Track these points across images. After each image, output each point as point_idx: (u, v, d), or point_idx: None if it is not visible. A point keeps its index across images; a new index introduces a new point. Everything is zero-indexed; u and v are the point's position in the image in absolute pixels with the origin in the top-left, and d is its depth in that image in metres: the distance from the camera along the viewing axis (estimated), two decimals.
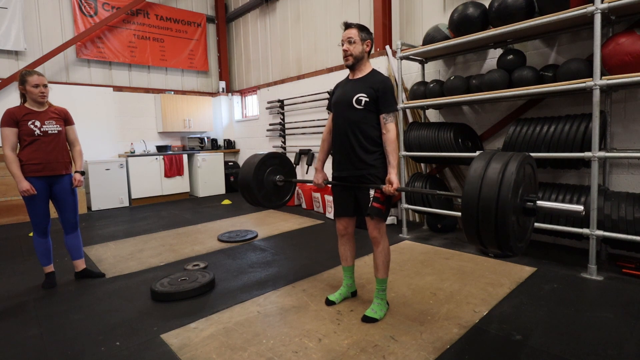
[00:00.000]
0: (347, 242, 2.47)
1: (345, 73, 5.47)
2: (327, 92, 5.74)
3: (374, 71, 2.26)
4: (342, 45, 2.22)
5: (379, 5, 4.64)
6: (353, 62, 2.22)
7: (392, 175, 2.10)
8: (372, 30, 4.96)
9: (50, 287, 2.91)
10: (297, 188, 6.19)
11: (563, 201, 2.97)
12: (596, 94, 2.69)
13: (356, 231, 2.52)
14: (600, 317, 2.18)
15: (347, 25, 2.24)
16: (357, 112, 2.19)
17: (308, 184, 5.90)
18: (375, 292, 2.32)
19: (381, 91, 2.15)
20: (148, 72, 7.45)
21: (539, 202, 1.59)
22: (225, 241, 4.10)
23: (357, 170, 2.22)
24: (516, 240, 1.55)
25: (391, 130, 2.15)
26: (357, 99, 2.18)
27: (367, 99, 2.16)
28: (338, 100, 2.30)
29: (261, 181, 2.70)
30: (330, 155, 2.46)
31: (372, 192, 2.18)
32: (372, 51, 2.30)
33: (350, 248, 2.48)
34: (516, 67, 3.29)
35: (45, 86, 2.78)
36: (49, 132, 2.79)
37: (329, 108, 2.44)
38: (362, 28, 2.21)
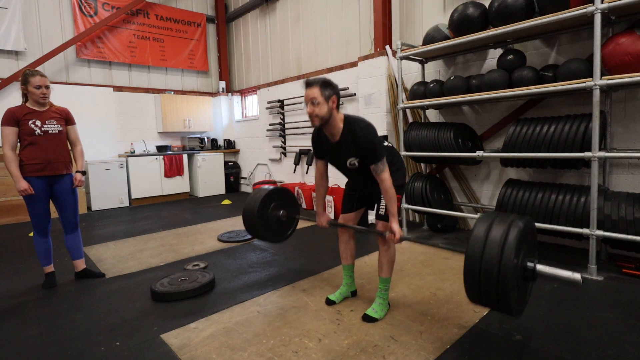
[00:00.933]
0: (347, 240, 2.49)
1: (345, 73, 5.51)
2: None
3: (348, 125, 2.10)
4: (306, 105, 2.09)
5: (379, 5, 4.64)
6: (321, 123, 2.09)
7: (394, 225, 2.10)
8: (372, 30, 4.97)
9: (50, 287, 2.91)
10: (297, 189, 6.19)
11: (563, 201, 2.97)
12: (596, 94, 2.69)
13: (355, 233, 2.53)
14: (600, 317, 2.18)
15: (308, 84, 2.07)
16: (355, 169, 2.21)
17: (309, 184, 5.90)
18: (377, 292, 2.33)
19: (363, 146, 2.07)
20: (148, 72, 7.45)
21: (539, 267, 1.64)
22: (225, 241, 4.10)
23: (369, 187, 2.33)
24: (516, 304, 1.59)
25: (385, 180, 2.07)
26: (350, 162, 2.18)
27: (357, 161, 2.14)
28: (331, 161, 2.32)
29: (265, 216, 2.77)
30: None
31: (382, 202, 2.25)
32: (339, 105, 2.13)
33: (351, 247, 2.50)
34: (516, 67, 3.29)
35: (47, 87, 2.78)
36: (50, 131, 2.79)
37: (316, 156, 2.36)
38: (324, 85, 2.05)
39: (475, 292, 1.60)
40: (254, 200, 2.74)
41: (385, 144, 2.33)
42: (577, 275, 1.55)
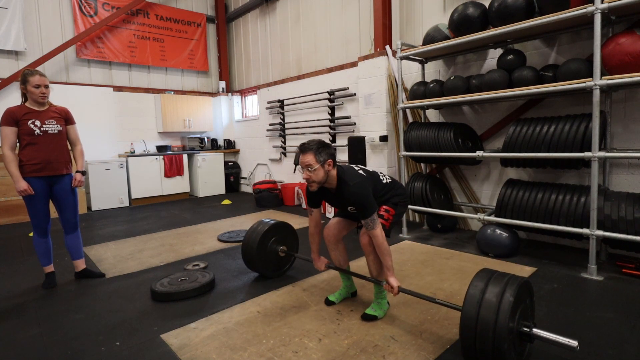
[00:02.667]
0: (335, 247, 2.46)
1: (345, 73, 5.50)
2: (327, 92, 5.75)
3: (340, 185, 2.14)
4: (302, 170, 2.12)
5: (379, 5, 4.64)
6: (318, 187, 2.15)
7: (391, 279, 2.11)
8: (372, 30, 4.97)
9: (50, 287, 2.91)
10: (297, 189, 6.19)
11: (563, 201, 2.97)
12: (596, 94, 2.69)
13: (353, 239, 2.53)
14: (600, 317, 2.18)
15: (302, 150, 2.09)
16: (355, 213, 2.23)
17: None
18: (374, 292, 2.32)
19: (355, 205, 2.11)
20: (148, 72, 7.45)
21: (535, 331, 1.65)
22: (225, 241, 4.10)
23: None
24: None
25: (377, 236, 2.08)
26: (351, 209, 2.25)
27: (356, 209, 2.16)
28: (332, 205, 2.41)
29: (264, 249, 2.85)
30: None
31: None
32: (332, 165, 2.12)
33: (341, 252, 2.48)
34: (516, 67, 3.29)
35: (46, 87, 2.78)
36: (49, 131, 2.79)
37: (310, 205, 2.37)
38: (318, 150, 2.06)
39: (471, 352, 1.62)
40: (255, 232, 2.84)
41: (386, 180, 2.31)
42: (573, 342, 1.55)
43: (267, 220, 2.96)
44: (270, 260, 2.91)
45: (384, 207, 2.25)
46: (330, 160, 2.09)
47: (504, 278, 1.67)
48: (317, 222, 2.39)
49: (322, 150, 2.07)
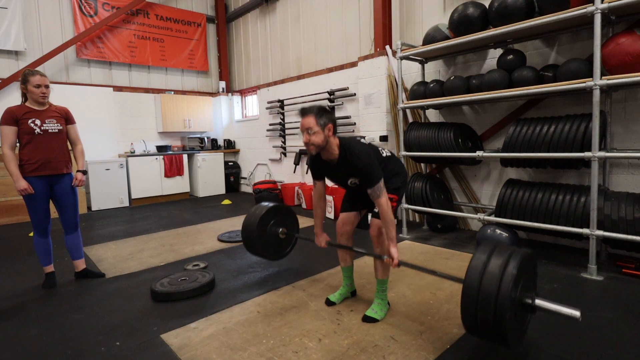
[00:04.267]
0: (345, 242, 2.47)
1: (345, 73, 5.51)
2: (327, 92, 5.75)
3: (343, 151, 2.12)
4: (302, 133, 2.10)
5: (379, 5, 4.64)
6: (317, 151, 2.12)
7: (392, 249, 2.11)
8: (372, 30, 4.97)
9: (50, 287, 2.91)
10: (297, 189, 6.19)
11: (563, 201, 2.97)
12: (596, 94, 2.69)
13: (355, 231, 2.53)
14: (600, 317, 2.18)
15: (303, 113, 2.09)
16: (356, 187, 2.23)
17: (309, 184, 5.90)
18: (375, 293, 2.32)
19: (359, 172, 2.09)
20: (148, 72, 7.45)
21: (537, 302, 1.64)
22: (225, 241, 4.10)
23: (370, 200, 2.29)
24: (513, 336, 1.58)
25: (382, 204, 2.07)
26: (351, 182, 2.21)
27: (359, 179, 2.16)
28: (333, 180, 2.35)
29: (264, 232, 2.80)
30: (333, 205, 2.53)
31: None
32: (333, 131, 2.11)
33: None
34: (516, 67, 3.29)
35: (46, 87, 2.78)
36: (49, 130, 2.79)
37: (313, 175, 2.37)
38: (319, 114, 2.06)
39: (472, 323, 1.61)
40: (254, 216, 2.79)
41: (385, 153, 2.32)
42: (576, 312, 1.55)
43: (266, 203, 2.90)
44: (272, 243, 2.86)
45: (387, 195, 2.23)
46: (330, 125, 2.08)
47: (507, 250, 1.65)
48: (320, 194, 2.38)
49: (323, 114, 2.07)
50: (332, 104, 5.72)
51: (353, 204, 2.44)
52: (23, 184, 2.67)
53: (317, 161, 2.28)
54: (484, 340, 1.63)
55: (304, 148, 6.27)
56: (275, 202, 2.91)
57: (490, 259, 1.62)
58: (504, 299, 1.52)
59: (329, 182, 2.49)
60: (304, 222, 4.90)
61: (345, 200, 2.48)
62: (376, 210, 2.26)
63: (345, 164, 2.12)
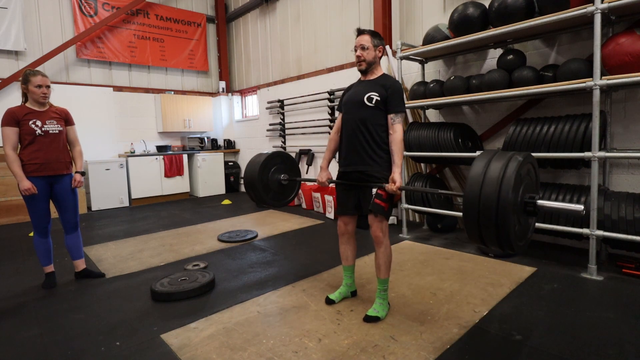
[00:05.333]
0: (347, 241, 2.48)
1: (345, 73, 5.51)
2: (327, 92, 5.75)
3: (385, 75, 2.32)
4: (355, 51, 2.27)
5: (379, 5, 4.64)
6: (366, 68, 2.28)
7: (396, 174, 2.13)
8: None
9: (51, 287, 2.91)
10: None
11: (563, 201, 2.97)
12: (596, 94, 2.69)
13: (357, 231, 2.52)
14: (600, 317, 2.18)
15: (360, 32, 2.29)
16: (367, 110, 2.24)
17: (309, 184, 5.91)
18: (377, 292, 2.32)
19: (391, 91, 2.21)
20: (148, 72, 7.45)
21: (540, 202, 1.60)
22: (225, 241, 4.10)
23: (363, 166, 2.26)
24: (517, 239, 1.56)
25: (398, 130, 2.19)
26: (369, 97, 2.24)
27: (379, 98, 2.22)
28: (350, 99, 2.36)
29: (266, 180, 2.74)
30: (336, 154, 2.51)
31: (374, 190, 2.20)
32: (384, 56, 2.32)
33: (351, 247, 2.50)
34: (516, 67, 3.29)
35: (47, 87, 2.78)
36: (50, 131, 2.79)
37: (339, 108, 2.47)
38: (374, 34, 2.26)
39: (475, 231, 1.57)
40: (254, 164, 2.72)
41: None
42: (579, 207, 1.52)
43: (265, 152, 2.85)
44: (275, 190, 2.81)
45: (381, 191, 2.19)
46: (381, 47, 2.28)
47: (506, 154, 1.62)
48: (339, 128, 2.43)
49: (377, 36, 2.27)
50: (332, 104, 5.72)
51: (347, 206, 2.38)
52: (27, 184, 2.67)
53: (350, 86, 2.42)
54: (489, 246, 1.61)
55: (304, 148, 6.30)
56: (275, 150, 2.85)
57: (490, 165, 1.58)
58: (505, 203, 1.48)
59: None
60: (304, 221, 4.90)
61: (340, 204, 2.42)
62: (370, 208, 2.22)
63: (377, 82, 2.26)
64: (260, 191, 2.69)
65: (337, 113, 2.41)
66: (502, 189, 1.50)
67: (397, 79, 4.10)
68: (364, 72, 2.33)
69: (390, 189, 2.11)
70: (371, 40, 2.24)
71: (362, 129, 2.25)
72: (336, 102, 5.65)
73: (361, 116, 2.26)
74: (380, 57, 2.30)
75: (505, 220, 1.49)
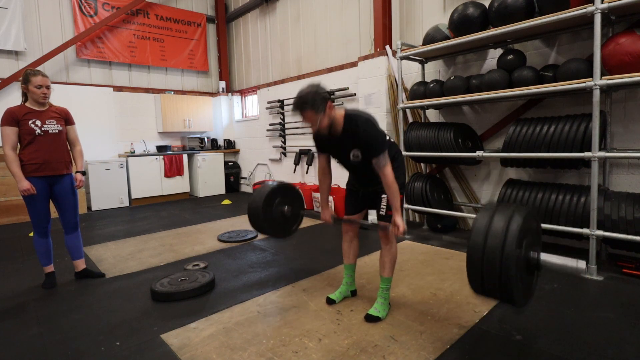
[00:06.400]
0: (351, 239, 2.49)
1: (345, 73, 5.50)
2: (327, 92, 5.74)
3: (348, 117, 2.09)
4: (311, 127, 2.09)
5: (379, 5, 4.64)
6: (330, 129, 2.10)
7: (397, 218, 2.10)
8: (372, 30, 4.97)
9: (51, 287, 2.91)
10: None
11: (563, 201, 2.97)
12: (596, 94, 2.69)
13: (358, 231, 2.53)
14: (600, 317, 2.18)
15: (300, 111, 2.01)
16: (357, 163, 2.19)
17: (309, 184, 5.91)
18: (379, 291, 2.32)
19: (365, 140, 2.06)
20: (148, 72, 7.45)
21: (544, 256, 1.63)
22: (225, 241, 4.10)
23: (374, 186, 2.27)
24: (520, 294, 1.56)
25: (387, 174, 2.06)
26: (353, 154, 2.15)
27: (359, 153, 2.12)
28: (334, 155, 2.32)
29: (270, 211, 2.76)
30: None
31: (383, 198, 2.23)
32: (332, 106, 2.06)
33: (354, 246, 2.51)
34: (516, 67, 3.29)
35: (47, 87, 2.78)
36: (50, 131, 2.79)
37: (318, 150, 2.36)
38: (314, 105, 1.96)
39: (479, 284, 1.58)
40: (259, 196, 2.73)
41: (389, 139, 2.32)
42: (581, 262, 1.54)
43: (270, 182, 2.88)
44: (278, 221, 2.81)
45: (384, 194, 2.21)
46: (327, 102, 2.00)
47: (509, 208, 1.63)
48: (324, 168, 2.39)
49: (315, 100, 1.96)
50: (332, 104, 5.71)
51: (355, 206, 2.45)
52: (26, 184, 2.67)
53: (320, 135, 2.20)
54: (492, 299, 1.61)
55: (304, 148, 6.30)
56: (280, 182, 2.87)
57: (494, 219, 1.60)
58: (509, 258, 1.49)
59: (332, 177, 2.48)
60: (304, 221, 4.88)
61: (347, 202, 2.49)
62: (382, 212, 2.26)
63: (349, 135, 2.08)
64: (261, 220, 2.71)
65: (315, 151, 2.28)
66: (506, 242, 1.51)
67: (397, 79, 4.11)
68: (330, 131, 2.12)
69: (396, 233, 2.11)
70: (314, 114, 1.98)
71: (362, 168, 2.23)
72: (336, 102, 5.65)
73: (353, 165, 2.22)
74: (332, 109, 2.05)
75: (509, 277, 1.50)
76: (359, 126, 2.05)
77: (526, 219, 1.58)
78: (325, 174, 2.41)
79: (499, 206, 1.68)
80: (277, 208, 2.78)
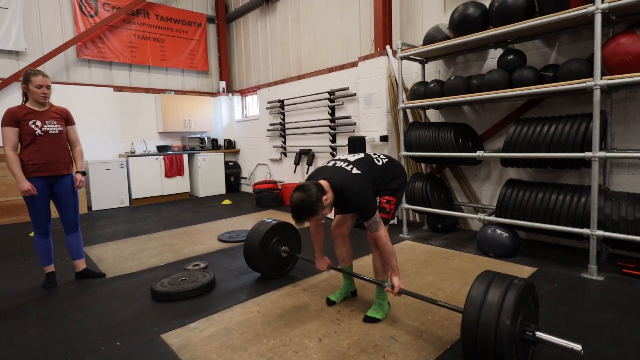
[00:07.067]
0: (342, 243, 2.47)
1: (345, 73, 5.50)
2: (327, 92, 5.74)
3: (338, 194, 2.05)
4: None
5: (379, 5, 4.63)
6: (332, 208, 2.11)
7: (394, 279, 2.10)
8: (372, 30, 4.97)
9: (51, 287, 2.91)
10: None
11: (563, 201, 2.97)
12: (596, 94, 2.69)
13: (355, 231, 2.52)
14: (601, 317, 2.18)
15: (303, 221, 1.97)
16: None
17: None
18: (376, 293, 2.32)
19: (355, 209, 2.07)
20: (148, 72, 7.45)
21: (538, 334, 1.60)
22: (225, 241, 4.10)
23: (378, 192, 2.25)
24: None
25: (380, 237, 2.04)
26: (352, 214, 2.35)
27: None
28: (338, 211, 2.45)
29: (266, 249, 2.84)
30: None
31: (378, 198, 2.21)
32: (327, 196, 2.00)
33: (346, 249, 2.49)
34: (516, 67, 3.29)
35: (48, 87, 2.78)
36: (50, 132, 2.79)
37: None
38: (313, 212, 1.93)
39: (473, 356, 1.58)
40: (257, 232, 2.83)
41: (381, 161, 2.25)
42: (577, 346, 1.52)
43: (269, 220, 2.95)
44: (273, 261, 2.90)
45: (385, 197, 2.19)
46: (322, 196, 1.96)
47: (505, 280, 1.64)
48: (316, 225, 2.35)
49: (316, 204, 1.92)
50: (333, 104, 5.71)
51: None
52: (26, 185, 2.67)
53: None
54: None
55: (305, 148, 6.30)
56: (278, 221, 2.95)
57: (489, 290, 1.60)
58: (504, 333, 1.49)
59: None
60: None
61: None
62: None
63: (341, 201, 2.07)
64: (257, 258, 2.80)
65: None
66: (499, 322, 1.51)
67: (397, 79, 4.11)
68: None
69: (389, 292, 2.11)
70: (317, 215, 1.95)
71: None
72: (336, 102, 5.65)
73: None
74: (327, 200, 1.98)
75: (502, 350, 1.49)
76: (347, 198, 2.01)
77: (523, 292, 1.58)
78: (318, 227, 2.36)
79: (495, 275, 1.68)
80: (274, 247, 2.88)
